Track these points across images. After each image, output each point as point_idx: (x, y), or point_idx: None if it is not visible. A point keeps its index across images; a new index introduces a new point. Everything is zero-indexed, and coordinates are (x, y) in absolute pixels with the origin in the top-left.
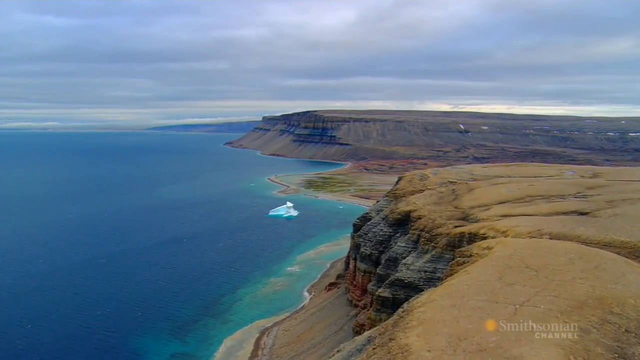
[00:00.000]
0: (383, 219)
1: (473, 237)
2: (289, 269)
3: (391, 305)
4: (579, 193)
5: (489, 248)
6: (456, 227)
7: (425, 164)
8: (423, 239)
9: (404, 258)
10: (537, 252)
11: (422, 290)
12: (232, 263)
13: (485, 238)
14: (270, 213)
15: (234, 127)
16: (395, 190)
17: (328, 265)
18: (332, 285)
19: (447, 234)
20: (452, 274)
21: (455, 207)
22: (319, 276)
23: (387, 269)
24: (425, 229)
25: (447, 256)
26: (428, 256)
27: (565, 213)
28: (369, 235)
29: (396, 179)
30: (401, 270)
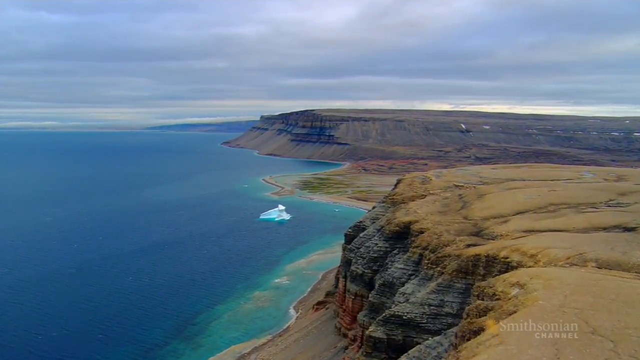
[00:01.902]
0: (378, 230)
1: (492, 262)
2: (276, 280)
3: (385, 349)
4: (611, 200)
5: (520, 285)
6: (468, 245)
7: (426, 164)
8: (426, 261)
9: (403, 284)
10: (601, 301)
11: (425, 331)
12: (215, 273)
13: (508, 264)
14: (261, 217)
15: (233, 126)
16: (393, 195)
17: (319, 277)
18: (320, 304)
19: (458, 256)
20: (472, 330)
21: (465, 218)
22: (308, 290)
23: (381, 296)
24: (429, 247)
25: (458, 285)
26: (433, 284)
27: (605, 228)
28: (361, 250)
29: (395, 182)
30: (399, 303)
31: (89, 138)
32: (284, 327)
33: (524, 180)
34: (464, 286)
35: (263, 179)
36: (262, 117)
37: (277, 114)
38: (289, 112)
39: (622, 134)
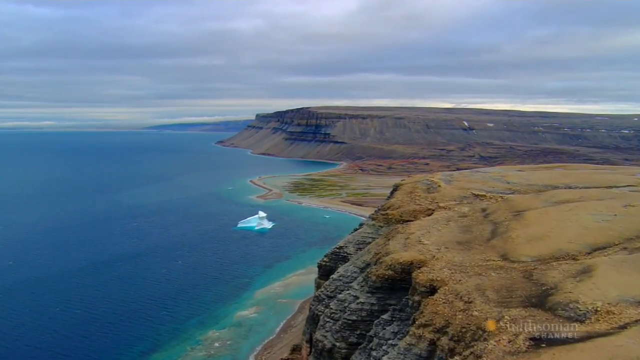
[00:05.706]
0: (361, 270)
1: None
2: (240, 313)
3: None
4: None
5: None
6: (533, 340)
7: (427, 163)
8: None
9: None
10: None
11: None
12: (167, 301)
13: None
14: (239, 225)
15: (231, 126)
16: (388, 208)
17: (296, 308)
18: None
19: None
20: None
21: (504, 258)
22: (278, 328)
23: None
24: (449, 331)
25: None
26: None
27: None
28: (332, 305)
29: (393, 186)
30: None
31: (86, 138)
32: None
33: (570, 187)
34: None
35: (251, 181)
36: (257, 115)
37: (272, 112)
38: (284, 110)
39: (632, 131)
